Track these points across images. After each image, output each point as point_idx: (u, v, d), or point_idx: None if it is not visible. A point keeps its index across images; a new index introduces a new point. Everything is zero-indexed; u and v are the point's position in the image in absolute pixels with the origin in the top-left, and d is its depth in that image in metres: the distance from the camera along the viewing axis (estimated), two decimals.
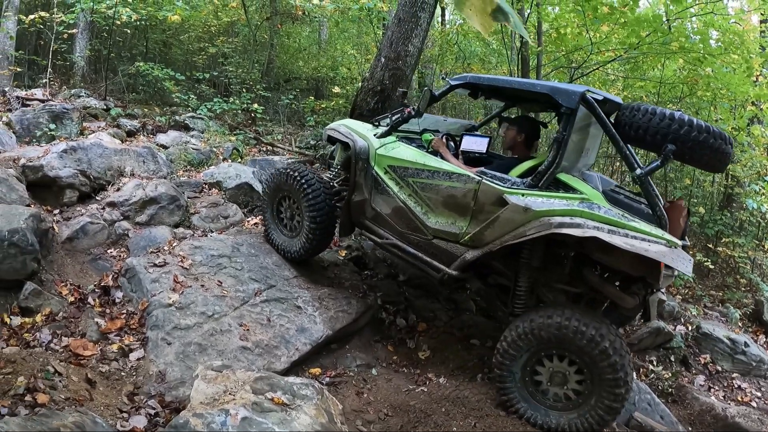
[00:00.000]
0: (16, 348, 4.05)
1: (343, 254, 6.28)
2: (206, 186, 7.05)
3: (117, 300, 4.86)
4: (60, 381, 3.61)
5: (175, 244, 5.52)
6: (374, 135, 5.04)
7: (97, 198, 6.26)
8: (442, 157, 4.66)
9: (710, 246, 8.88)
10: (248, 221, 6.53)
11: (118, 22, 10.05)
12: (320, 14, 12.38)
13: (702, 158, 3.93)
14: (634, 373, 5.21)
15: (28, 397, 3.33)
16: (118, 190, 6.30)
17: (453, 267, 4.47)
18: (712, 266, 8.22)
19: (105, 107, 8.87)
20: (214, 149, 8.10)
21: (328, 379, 4.67)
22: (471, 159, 5.04)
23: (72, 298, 4.81)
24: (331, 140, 5.64)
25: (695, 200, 10.04)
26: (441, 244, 4.52)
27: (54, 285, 4.92)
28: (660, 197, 4.07)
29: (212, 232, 6.05)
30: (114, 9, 9.52)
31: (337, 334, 5.06)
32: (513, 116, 5.61)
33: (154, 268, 4.97)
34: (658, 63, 10.12)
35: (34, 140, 7.17)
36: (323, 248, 5.58)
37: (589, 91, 4.11)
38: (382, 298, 5.77)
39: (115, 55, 11.28)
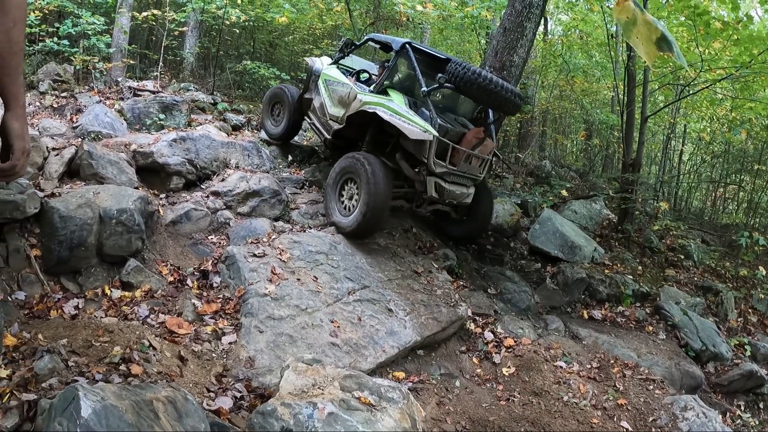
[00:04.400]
0: (114, 319, 4.25)
1: (438, 263, 6.24)
2: (307, 183, 7.18)
3: (214, 284, 5.00)
4: (154, 355, 3.73)
5: (274, 236, 5.63)
6: (327, 65, 7.17)
7: (201, 186, 6.48)
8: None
9: None
10: None
11: (227, 22, 10.42)
12: (423, 21, 12.42)
13: (471, 93, 5.75)
14: (720, 415, 4.96)
15: (122, 367, 3.46)
16: (223, 180, 6.50)
17: (330, 134, 6.71)
18: None
19: (212, 101, 9.18)
20: (316, 148, 8.23)
21: (410, 384, 4.62)
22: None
23: (171, 278, 5.00)
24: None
25: None
26: (331, 122, 6.68)
27: (155, 264, 5.14)
28: (435, 109, 5.85)
29: (311, 228, 6.10)
30: (224, 10, 9.88)
31: (425, 340, 5.04)
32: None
33: (253, 257, 5.08)
34: None
35: (144, 128, 7.51)
36: (295, 133, 8.04)
37: (409, 43, 6.25)
38: (472, 310, 5.71)
39: (223, 53, 11.68)
